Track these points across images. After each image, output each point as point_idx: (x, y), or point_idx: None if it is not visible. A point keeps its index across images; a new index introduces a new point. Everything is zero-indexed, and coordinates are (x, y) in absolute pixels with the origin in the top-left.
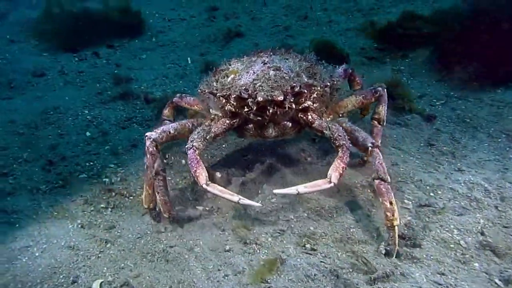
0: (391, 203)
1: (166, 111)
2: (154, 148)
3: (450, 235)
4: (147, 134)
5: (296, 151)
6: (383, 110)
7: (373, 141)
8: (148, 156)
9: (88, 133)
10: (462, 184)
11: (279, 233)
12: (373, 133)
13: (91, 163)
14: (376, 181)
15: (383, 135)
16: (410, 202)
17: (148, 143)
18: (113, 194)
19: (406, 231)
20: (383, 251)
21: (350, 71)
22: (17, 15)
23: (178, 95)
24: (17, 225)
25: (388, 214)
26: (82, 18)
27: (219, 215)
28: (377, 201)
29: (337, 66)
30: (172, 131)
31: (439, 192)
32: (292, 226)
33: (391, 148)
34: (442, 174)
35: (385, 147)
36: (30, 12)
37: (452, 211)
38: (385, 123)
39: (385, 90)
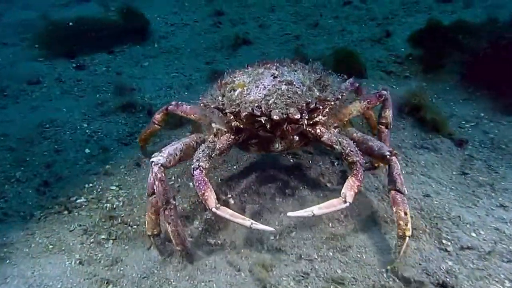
0: (405, 213)
1: (158, 116)
2: (163, 174)
3: (501, 287)
4: (153, 159)
5: (315, 175)
6: (389, 113)
7: (390, 149)
8: (157, 183)
9: (87, 150)
10: (508, 224)
11: (302, 276)
12: (381, 138)
13: (91, 185)
14: (392, 192)
15: (410, 160)
16: (450, 243)
17: (156, 169)
18: (115, 222)
19: (448, 279)
20: None
21: (357, 85)
22: (11, 15)
23: (174, 102)
24: (7, 261)
25: (401, 223)
26: (80, 22)
27: (233, 251)
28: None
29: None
30: (178, 153)
31: (482, 233)
32: (317, 267)
33: (420, 176)
34: (482, 210)
35: (413, 174)
36: (26, 13)
37: (500, 256)
38: (391, 127)
39: (389, 92)
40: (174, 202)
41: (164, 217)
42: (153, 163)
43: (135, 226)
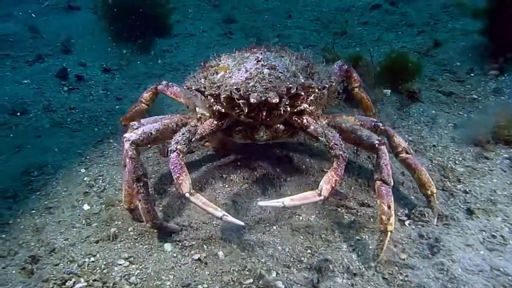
0: (389, 207)
1: (146, 95)
2: (134, 151)
3: None
4: (125, 135)
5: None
6: (399, 140)
7: (379, 138)
8: (128, 160)
9: (86, 206)
10: None
11: None
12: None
13: (92, 259)
14: (378, 182)
15: None
16: None
17: (127, 145)
18: None
19: None
20: None
21: (346, 67)
22: None
23: (164, 82)
24: None
25: (384, 217)
26: None
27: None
28: None
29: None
30: (154, 132)
31: None
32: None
33: None
34: None
35: None
36: (7, 26)
37: None
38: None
39: (386, 125)
40: (145, 180)
41: (135, 194)
42: (125, 139)
43: None
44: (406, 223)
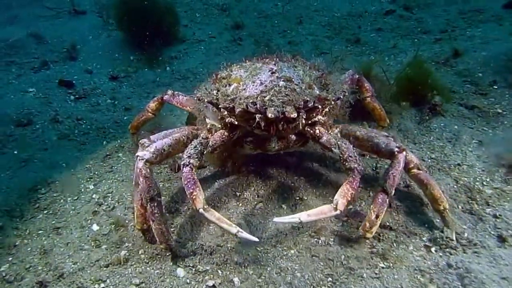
0: (377, 216)
1: (152, 105)
2: (148, 170)
3: None
4: (138, 154)
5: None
6: (412, 156)
7: (398, 144)
8: (141, 179)
9: (95, 226)
10: None
11: None
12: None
13: (102, 286)
14: (379, 189)
15: None
16: None
17: (140, 164)
18: None
19: None
20: None
21: (357, 77)
22: None
23: (170, 92)
24: None
25: (367, 224)
26: None
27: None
28: None
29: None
30: (166, 148)
31: None
32: None
33: None
34: None
35: None
36: (11, 30)
37: None
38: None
39: (398, 142)
40: (159, 199)
41: (148, 214)
42: (138, 158)
43: None
44: (433, 249)
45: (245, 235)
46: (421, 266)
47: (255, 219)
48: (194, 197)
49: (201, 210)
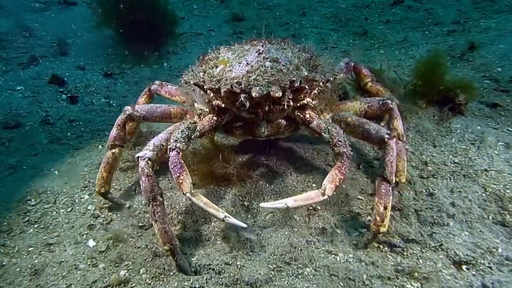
0: (385, 207)
1: (141, 100)
2: (151, 169)
3: None
4: (139, 154)
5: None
6: (399, 124)
7: (389, 131)
8: (143, 179)
9: (91, 242)
10: None
11: None
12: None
13: None
14: (378, 179)
15: None
16: None
17: (143, 164)
18: None
19: None
20: None
21: (353, 64)
22: None
23: (157, 82)
24: None
25: (378, 218)
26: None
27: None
28: None
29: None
30: (164, 143)
31: None
32: None
33: None
34: None
35: None
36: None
37: None
38: (405, 139)
39: (395, 103)
40: (161, 199)
41: (150, 214)
42: (140, 158)
43: None
44: (464, 267)
45: (233, 220)
46: (452, 286)
47: (265, 231)
48: (181, 181)
49: (188, 195)
